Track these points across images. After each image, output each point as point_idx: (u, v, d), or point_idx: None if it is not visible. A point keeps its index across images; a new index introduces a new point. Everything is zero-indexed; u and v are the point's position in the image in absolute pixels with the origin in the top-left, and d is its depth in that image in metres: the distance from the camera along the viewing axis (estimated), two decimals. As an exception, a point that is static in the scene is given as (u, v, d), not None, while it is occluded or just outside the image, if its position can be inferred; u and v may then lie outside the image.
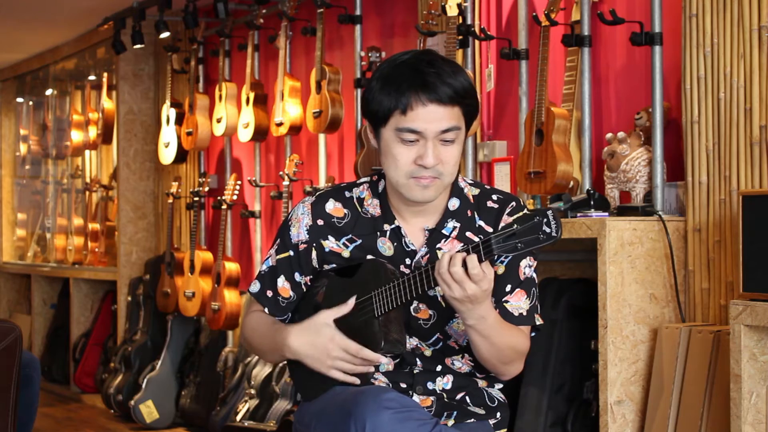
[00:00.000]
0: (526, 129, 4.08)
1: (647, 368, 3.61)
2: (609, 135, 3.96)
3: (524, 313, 2.63)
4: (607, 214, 3.70)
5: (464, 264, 2.41)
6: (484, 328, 2.50)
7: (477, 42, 4.64)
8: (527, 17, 4.34)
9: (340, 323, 2.60)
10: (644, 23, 3.79)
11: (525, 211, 2.62)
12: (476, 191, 2.69)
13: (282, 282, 2.72)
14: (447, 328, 2.63)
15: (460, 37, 4.48)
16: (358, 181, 2.74)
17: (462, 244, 2.61)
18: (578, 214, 3.70)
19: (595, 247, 3.59)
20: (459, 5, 4.42)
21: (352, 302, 2.59)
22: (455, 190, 2.67)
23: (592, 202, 3.72)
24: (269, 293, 2.74)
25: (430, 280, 2.47)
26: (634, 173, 3.82)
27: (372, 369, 2.58)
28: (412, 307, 2.62)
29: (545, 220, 2.34)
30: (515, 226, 2.37)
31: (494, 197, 2.68)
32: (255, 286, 2.76)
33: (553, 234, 2.34)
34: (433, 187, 2.58)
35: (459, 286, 2.41)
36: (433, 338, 2.64)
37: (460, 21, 4.47)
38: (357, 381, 2.58)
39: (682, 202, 3.77)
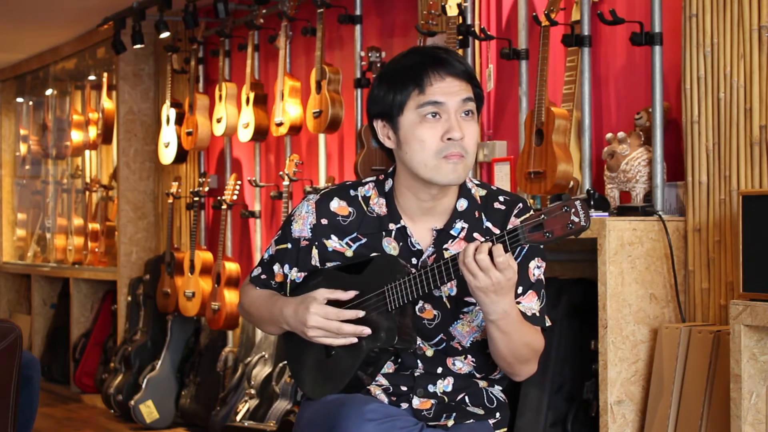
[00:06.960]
0: (526, 129, 4.08)
1: (647, 368, 3.61)
2: (609, 135, 3.95)
3: (536, 314, 2.62)
4: (607, 214, 3.69)
5: (489, 254, 2.39)
6: (506, 323, 2.49)
7: (477, 42, 4.63)
8: (527, 17, 4.34)
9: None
10: (644, 23, 3.79)
11: (532, 211, 2.62)
12: (483, 192, 2.67)
13: (278, 269, 2.75)
14: (451, 329, 2.61)
15: (460, 37, 4.47)
16: (363, 180, 2.72)
17: None
18: (578, 214, 3.69)
19: (595, 247, 3.59)
20: (459, 5, 4.42)
21: (351, 293, 2.60)
22: (463, 191, 2.65)
23: (592, 202, 3.72)
24: (263, 276, 2.78)
25: (444, 275, 2.46)
26: (634, 173, 3.82)
27: (354, 340, 2.56)
28: (417, 307, 2.61)
29: (573, 210, 2.31)
30: (542, 216, 2.34)
31: (501, 198, 2.67)
32: (256, 271, 2.81)
33: (582, 223, 2.30)
34: (461, 166, 2.55)
35: (484, 274, 2.39)
36: (437, 339, 2.62)
37: (460, 21, 4.46)
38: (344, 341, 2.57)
39: (682, 202, 3.77)
